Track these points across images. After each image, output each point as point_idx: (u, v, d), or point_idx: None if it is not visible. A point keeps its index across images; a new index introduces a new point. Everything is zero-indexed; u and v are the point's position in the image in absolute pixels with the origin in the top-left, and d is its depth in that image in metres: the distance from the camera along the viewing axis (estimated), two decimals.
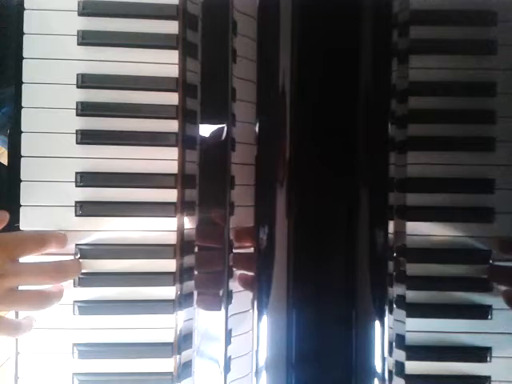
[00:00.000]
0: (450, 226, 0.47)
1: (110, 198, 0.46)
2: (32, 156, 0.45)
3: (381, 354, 0.48)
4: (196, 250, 0.47)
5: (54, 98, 0.46)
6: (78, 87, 0.46)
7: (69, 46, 0.46)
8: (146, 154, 0.46)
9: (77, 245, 0.46)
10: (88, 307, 0.46)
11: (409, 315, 0.46)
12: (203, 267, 0.47)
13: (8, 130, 0.45)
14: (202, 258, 0.47)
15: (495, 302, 0.46)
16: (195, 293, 0.47)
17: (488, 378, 0.47)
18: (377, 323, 0.48)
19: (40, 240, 0.44)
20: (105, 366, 0.46)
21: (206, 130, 0.47)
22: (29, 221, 0.45)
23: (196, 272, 0.47)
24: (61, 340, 0.46)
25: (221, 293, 0.47)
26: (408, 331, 0.46)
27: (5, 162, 0.47)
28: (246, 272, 0.48)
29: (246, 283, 0.48)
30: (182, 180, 0.46)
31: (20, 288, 0.43)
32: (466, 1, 0.46)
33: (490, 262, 0.46)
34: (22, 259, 0.44)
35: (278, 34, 0.49)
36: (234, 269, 0.47)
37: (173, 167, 0.46)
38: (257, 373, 0.48)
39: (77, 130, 0.46)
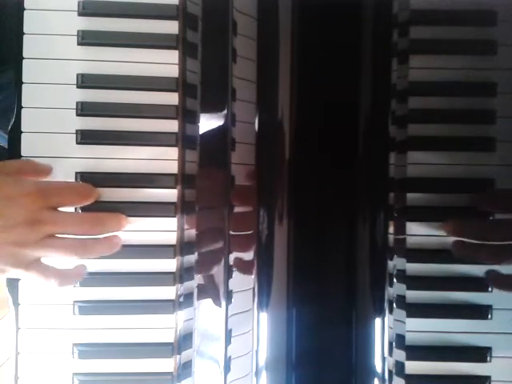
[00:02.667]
0: None
1: (110, 198, 0.46)
2: (32, 156, 0.45)
3: (381, 354, 0.48)
4: (196, 249, 0.47)
5: (54, 98, 0.46)
6: (77, 87, 0.46)
7: (69, 46, 0.46)
8: (146, 154, 0.46)
9: None
10: (88, 307, 0.46)
11: (409, 315, 0.46)
12: (203, 267, 0.47)
13: (8, 127, 0.45)
14: (202, 257, 0.47)
15: (495, 302, 0.46)
16: (195, 292, 0.47)
17: (488, 378, 0.47)
18: (377, 323, 0.48)
19: (82, 192, 0.44)
20: (105, 366, 0.46)
21: (205, 129, 0.47)
22: None
23: (196, 272, 0.47)
24: (61, 340, 0.46)
25: (221, 292, 0.47)
26: (408, 331, 0.46)
27: None
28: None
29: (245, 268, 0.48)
30: (182, 180, 0.46)
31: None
32: (466, 1, 0.46)
33: None
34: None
35: (277, 33, 0.49)
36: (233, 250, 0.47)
37: (173, 167, 0.46)
38: (257, 373, 0.48)
39: (77, 130, 0.46)
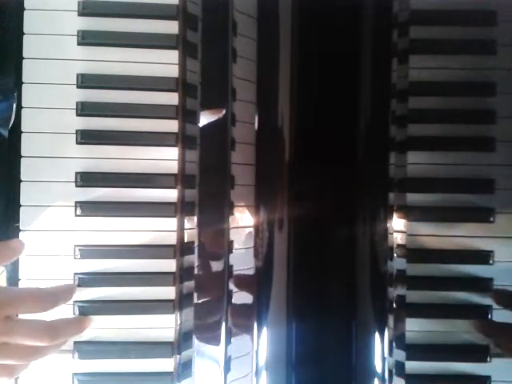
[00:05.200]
0: (450, 226, 0.47)
1: (110, 197, 0.46)
2: (32, 156, 0.45)
3: (381, 354, 0.48)
4: (196, 250, 0.47)
5: (54, 98, 0.46)
6: (77, 87, 0.46)
7: (69, 46, 0.46)
8: (146, 154, 0.46)
9: (76, 245, 0.46)
10: (88, 307, 0.46)
11: (409, 315, 0.46)
12: (203, 267, 0.47)
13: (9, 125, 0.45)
14: (202, 257, 0.47)
15: None
16: (195, 293, 0.47)
17: (488, 377, 0.47)
18: (377, 324, 0.48)
19: (41, 300, 0.42)
20: (105, 366, 0.46)
21: (205, 129, 0.47)
22: (29, 221, 0.45)
23: (196, 272, 0.47)
24: None
25: (221, 293, 0.47)
26: (408, 331, 0.46)
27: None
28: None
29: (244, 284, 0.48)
30: (182, 180, 0.46)
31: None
32: (466, 1, 0.46)
33: (490, 262, 0.46)
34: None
35: (277, 33, 0.49)
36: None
37: (173, 167, 0.46)
38: (257, 373, 0.48)
39: (77, 130, 0.46)
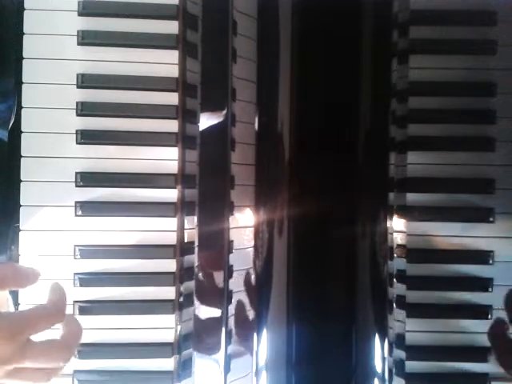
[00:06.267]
0: (450, 226, 0.47)
1: (110, 197, 0.46)
2: (32, 156, 0.45)
3: (381, 354, 0.48)
4: (196, 250, 0.47)
5: (54, 98, 0.46)
6: (78, 87, 0.46)
7: (69, 45, 0.46)
8: (146, 154, 0.46)
9: (76, 245, 0.46)
10: (88, 307, 0.46)
11: (409, 315, 0.46)
12: (203, 267, 0.47)
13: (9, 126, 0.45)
14: (202, 258, 0.47)
15: (495, 301, 0.46)
16: (195, 293, 0.47)
17: (488, 377, 0.47)
18: (377, 323, 0.48)
19: (52, 317, 0.40)
20: (105, 366, 0.46)
21: (205, 129, 0.47)
22: (29, 221, 0.45)
23: (196, 272, 0.47)
24: None
25: (221, 293, 0.47)
26: (408, 331, 0.46)
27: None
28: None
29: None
30: (182, 180, 0.46)
31: None
32: (466, 1, 0.46)
33: (490, 262, 0.46)
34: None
35: (277, 33, 0.49)
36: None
37: (173, 167, 0.46)
38: (257, 373, 0.48)
39: (77, 130, 0.46)
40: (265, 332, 0.48)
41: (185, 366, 0.47)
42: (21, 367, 0.38)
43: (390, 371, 0.47)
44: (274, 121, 0.49)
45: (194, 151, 0.47)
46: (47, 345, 0.40)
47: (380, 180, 0.48)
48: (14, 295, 0.46)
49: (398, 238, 0.47)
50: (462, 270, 0.47)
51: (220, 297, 0.47)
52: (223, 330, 0.47)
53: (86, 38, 0.46)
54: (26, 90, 0.45)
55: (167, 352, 0.46)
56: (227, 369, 0.47)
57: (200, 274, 0.47)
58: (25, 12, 0.45)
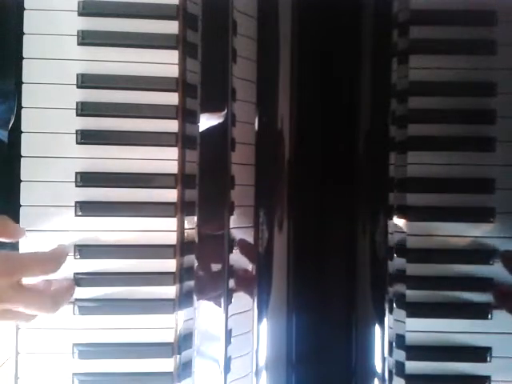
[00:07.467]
0: (450, 226, 0.47)
1: (109, 197, 0.46)
2: (32, 156, 0.45)
3: (381, 354, 0.48)
4: (196, 250, 0.47)
5: (54, 98, 0.46)
6: (78, 87, 0.46)
7: (69, 46, 0.46)
8: (146, 154, 0.46)
9: (76, 245, 0.46)
10: (88, 307, 0.46)
11: (409, 315, 0.46)
12: (203, 267, 0.47)
13: (9, 125, 0.45)
14: (202, 257, 0.47)
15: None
16: (195, 292, 0.47)
17: (488, 378, 0.47)
18: (377, 323, 0.48)
19: (49, 263, 0.43)
20: (105, 366, 0.46)
21: (205, 130, 0.47)
22: (29, 221, 0.45)
23: (196, 272, 0.47)
24: (61, 340, 0.46)
25: (221, 292, 0.47)
26: (408, 331, 0.46)
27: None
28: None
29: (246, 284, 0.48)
30: (182, 180, 0.46)
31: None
32: (466, 1, 0.46)
33: (490, 262, 0.46)
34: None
35: (277, 33, 0.49)
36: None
37: (173, 167, 0.46)
38: (257, 373, 0.48)
39: (77, 130, 0.46)
40: (265, 332, 0.48)
41: (185, 366, 0.47)
42: (8, 308, 0.41)
43: (390, 371, 0.47)
44: (274, 121, 0.49)
45: (194, 151, 0.47)
46: (37, 293, 0.42)
47: (380, 180, 0.48)
48: None
49: (398, 238, 0.47)
50: (462, 270, 0.47)
51: (220, 297, 0.47)
52: (223, 329, 0.47)
53: (86, 38, 0.46)
54: (26, 90, 0.45)
55: (167, 352, 0.46)
56: (227, 369, 0.47)
57: (200, 274, 0.47)
58: (25, 12, 0.45)
